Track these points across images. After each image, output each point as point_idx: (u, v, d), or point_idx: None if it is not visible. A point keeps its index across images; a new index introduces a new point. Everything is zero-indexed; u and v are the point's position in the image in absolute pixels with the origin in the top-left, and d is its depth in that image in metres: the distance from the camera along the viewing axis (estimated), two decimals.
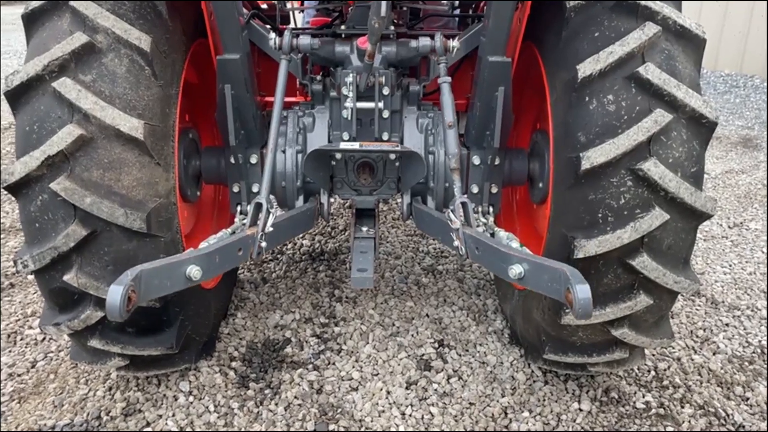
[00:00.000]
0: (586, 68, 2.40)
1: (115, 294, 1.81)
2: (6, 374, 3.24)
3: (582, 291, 1.87)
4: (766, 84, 10.43)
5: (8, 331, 3.60)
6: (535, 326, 2.96)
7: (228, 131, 2.89)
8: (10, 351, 3.43)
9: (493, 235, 2.74)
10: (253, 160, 3.09)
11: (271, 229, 2.55)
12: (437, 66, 2.86)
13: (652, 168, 2.31)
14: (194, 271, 2.14)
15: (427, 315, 3.72)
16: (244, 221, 2.56)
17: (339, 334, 3.53)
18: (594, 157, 2.35)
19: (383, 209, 5.20)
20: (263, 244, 2.54)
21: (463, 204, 2.58)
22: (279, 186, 3.07)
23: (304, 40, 2.79)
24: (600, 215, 2.41)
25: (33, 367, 3.30)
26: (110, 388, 3.11)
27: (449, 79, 2.69)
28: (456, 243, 2.55)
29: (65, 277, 2.39)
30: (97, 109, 2.30)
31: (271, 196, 2.77)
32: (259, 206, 2.58)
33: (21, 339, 3.54)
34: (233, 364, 3.29)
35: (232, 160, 3.06)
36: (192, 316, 2.89)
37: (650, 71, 2.34)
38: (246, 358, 3.34)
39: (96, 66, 2.37)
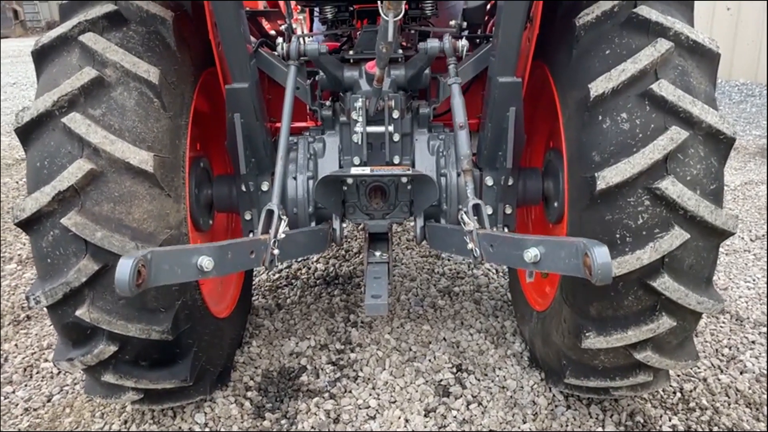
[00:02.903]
0: (599, 87, 2.36)
1: (124, 267, 1.78)
2: (22, 409, 3.22)
3: (600, 254, 1.81)
4: None
5: (24, 364, 3.60)
6: (555, 350, 2.89)
7: (239, 160, 2.88)
8: (26, 385, 3.42)
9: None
10: (265, 187, 3.07)
11: (283, 235, 2.52)
12: (446, 76, 2.83)
13: (670, 187, 2.26)
14: (206, 262, 2.08)
15: (444, 339, 3.66)
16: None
17: (355, 360, 3.48)
18: (609, 176, 2.30)
19: (398, 230, 5.17)
20: (275, 251, 2.49)
21: (476, 206, 2.53)
22: (291, 212, 3.05)
23: (311, 46, 2.79)
24: (618, 236, 2.35)
25: (49, 401, 3.28)
26: (126, 422, 3.08)
27: (459, 80, 2.68)
28: (470, 246, 2.49)
29: (77, 312, 2.37)
30: (107, 143, 2.30)
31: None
32: (270, 213, 2.55)
33: (37, 372, 3.53)
34: (249, 393, 3.25)
35: (244, 188, 3.05)
36: (205, 347, 2.86)
37: (664, 88, 2.30)
38: (261, 387, 3.30)
39: (105, 100, 2.37)
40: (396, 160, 3.04)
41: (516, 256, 2.13)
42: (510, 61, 2.66)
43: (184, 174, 2.64)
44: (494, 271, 4.50)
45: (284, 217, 2.53)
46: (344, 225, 3.12)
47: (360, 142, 2.96)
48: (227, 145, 2.92)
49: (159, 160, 2.41)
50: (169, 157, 2.49)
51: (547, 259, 2.04)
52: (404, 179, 3.00)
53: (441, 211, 3.05)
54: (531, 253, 2.05)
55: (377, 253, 3.04)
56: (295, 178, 3.03)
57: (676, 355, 2.59)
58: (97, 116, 2.35)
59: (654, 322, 2.42)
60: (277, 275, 4.55)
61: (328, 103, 3.20)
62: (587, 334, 2.53)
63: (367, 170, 2.87)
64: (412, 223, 3.14)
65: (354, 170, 2.88)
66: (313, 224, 3.08)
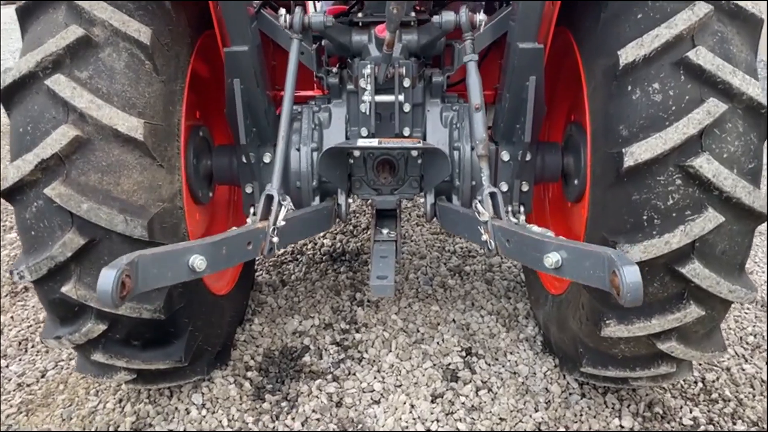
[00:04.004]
0: (629, 54, 2.15)
1: (106, 278, 1.65)
2: (15, 384, 3.11)
3: (630, 273, 1.66)
4: None
5: (20, 338, 3.49)
6: (571, 336, 2.73)
7: (238, 129, 2.70)
8: (20, 359, 3.31)
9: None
10: (267, 159, 2.90)
11: (283, 223, 2.36)
12: (463, 46, 2.63)
13: (705, 164, 2.07)
14: (198, 261, 1.95)
15: (453, 320, 3.51)
16: (255, 217, 2.39)
17: (360, 341, 3.34)
18: (638, 153, 2.11)
19: (407, 206, 4.99)
20: (275, 239, 2.35)
21: (492, 194, 2.36)
22: (294, 186, 2.88)
23: (317, 18, 2.59)
24: (645, 218, 2.17)
25: (43, 376, 3.17)
26: (120, 400, 2.96)
27: (476, 56, 2.47)
28: (484, 237, 2.33)
29: (63, 289, 2.23)
30: (94, 107, 2.13)
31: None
32: (270, 198, 2.39)
33: (32, 346, 3.42)
34: (249, 374, 3.12)
35: (244, 160, 2.87)
36: (203, 326, 2.72)
37: (702, 56, 2.09)
38: (262, 367, 3.17)
39: (93, 61, 2.20)
40: (406, 132, 2.85)
41: (535, 258, 1.97)
42: (531, 25, 2.46)
43: (179, 143, 2.47)
44: None
45: (284, 203, 2.37)
46: (350, 201, 2.95)
47: (368, 112, 2.77)
48: (226, 113, 2.74)
49: (150, 128, 2.24)
50: (162, 124, 2.32)
51: (569, 266, 1.87)
52: (414, 153, 2.81)
53: (453, 187, 2.87)
54: (552, 259, 1.89)
55: (384, 231, 2.87)
56: (298, 150, 2.86)
57: (702, 345, 2.42)
58: (84, 79, 2.17)
59: (681, 311, 2.25)
60: (282, 250, 4.39)
61: (335, 69, 3.01)
62: (607, 322, 2.36)
63: (374, 142, 2.69)
64: (422, 200, 2.96)
65: (361, 142, 2.69)
66: (317, 199, 2.91)
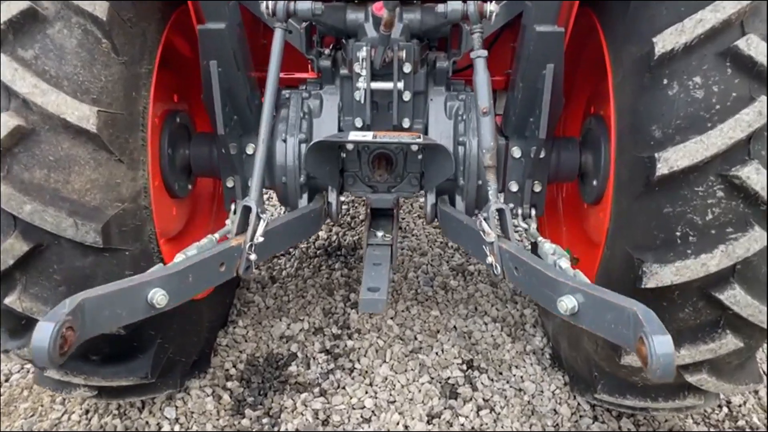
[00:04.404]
0: (666, 41, 1.83)
1: (43, 333, 1.35)
2: None
3: (662, 345, 1.35)
4: None
5: None
6: (585, 357, 2.44)
7: (216, 117, 2.40)
8: None
9: (536, 246, 2.23)
10: (250, 150, 2.60)
11: (261, 239, 2.08)
12: (470, 36, 2.31)
13: (753, 175, 1.76)
14: (158, 297, 1.68)
15: (454, 327, 3.22)
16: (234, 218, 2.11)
17: (352, 349, 3.06)
18: (674, 159, 1.80)
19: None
20: (252, 256, 2.07)
21: (500, 211, 2.06)
22: (279, 181, 2.58)
23: (303, 5, 2.26)
24: (679, 234, 1.86)
25: (7, 380, 2.91)
26: (87, 411, 2.71)
27: (485, 53, 2.14)
28: (490, 259, 2.04)
29: (7, 300, 1.96)
30: (38, 93, 1.84)
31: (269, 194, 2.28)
32: (247, 210, 2.10)
33: None
34: (229, 384, 2.85)
35: (224, 151, 2.57)
36: (175, 335, 2.45)
37: (753, 46, 1.77)
38: (244, 377, 2.90)
39: (39, 39, 1.89)
40: (405, 123, 2.54)
41: (546, 296, 1.67)
42: (550, 6, 2.14)
43: (144, 133, 2.17)
44: None
45: (264, 216, 2.08)
46: (342, 199, 2.66)
47: (363, 101, 2.45)
48: (203, 98, 2.43)
49: (106, 117, 1.94)
50: (122, 113, 2.02)
51: (586, 314, 1.57)
52: (414, 147, 2.50)
53: (457, 186, 2.56)
54: (566, 304, 1.58)
55: (379, 234, 2.56)
56: (284, 141, 2.55)
57: (736, 377, 2.13)
58: (28, 59, 1.87)
59: (715, 341, 1.95)
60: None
61: (327, 51, 2.68)
62: (628, 349, 2.06)
63: (369, 136, 2.38)
64: (423, 199, 2.66)
65: (353, 135, 2.38)
66: (304, 197, 2.60)
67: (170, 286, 1.72)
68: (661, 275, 1.86)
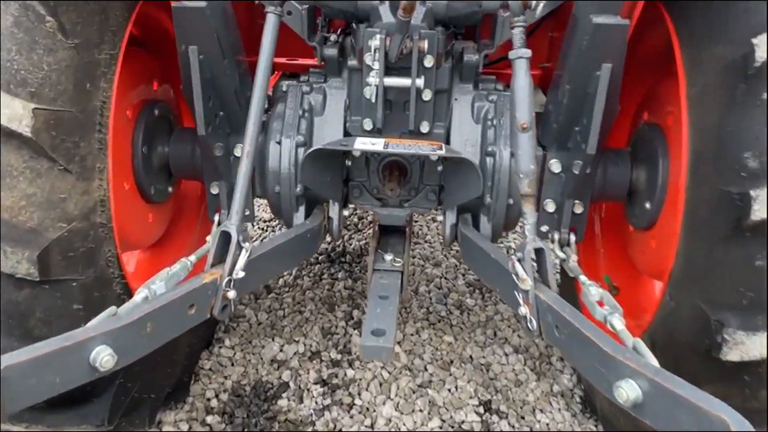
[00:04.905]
0: None
1: None
2: None
3: None
4: None
5: None
6: (626, 414, 2.03)
7: (196, 113, 1.99)
8: None
9: (576, 287, 1.83)
10: (238, 151, 2.19)
11: (242, 274, 1.69)
12: (507, 28, 1.89)
13: None
14: (104, 358, 1.33)
15: (470, 357, 2.82)
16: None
17: (352, 380, 2.68)
18: None
19: None
20: (231, 294, 1.69)
21: (538, 251, 1.66)
22: (272, 191, 2.18)
23: None
24: None
25: None
26: None
27: (528, 53, 1.71)
28: (523, 310, 1.65)
29: None
30: None
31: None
32: (226, 237, 1.71)
33: None
34: (209, 419, 2.47)
35: (209, 152, 2.16)
36: (142, 371, 2.06)
37: None
38: (227, 410, 2.52)
39: None
40: (424, 128, 2.12)
41: (598, 375, 1.28)
42: None
43: (103, 135, 1.76)
44: None
45: (246, 246, 1.69)
46: (345, 213, 2.25)
47: (374, 99, 2.03)
48: (182, 90, 2.02)
49: (47, 116, 1.54)
50: (70, 110, 1.61)
51: (653, 409, 1.18)
52: (434, 156, 2.09)
53: (483, 205, 2.14)
54: (626, 392, 1.20)
55: (388, 257, 2.15)
56: (279, 143, 2.14)
57: None
58: None
59: None
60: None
61: (334, 37, 2.26)
62: None
63: (379, 144, 1.96)
64: (441, 218, 2.25)
65: (360, 142, 1.96)
66: (301, 210, 2.20)
67: (120, 342, 1.36)
68: (749, 346, 1.45)
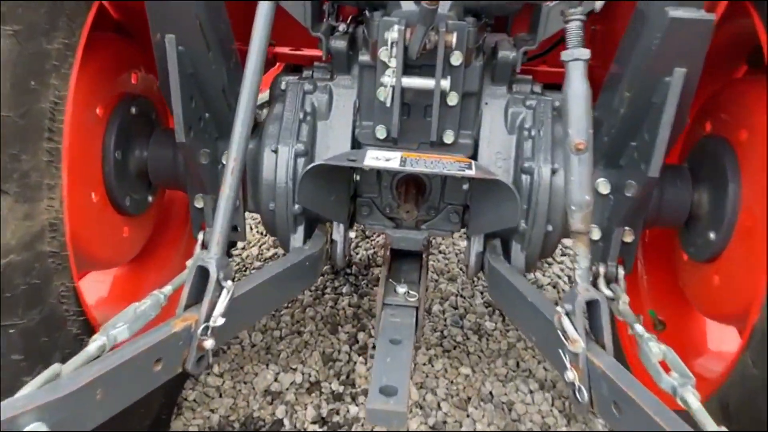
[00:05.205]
0: None
1: None
2: None
3: None
4: None
5: None
6: None
7: (174, 115, 1.65)
8: None
9: (635, 337, 1.51)
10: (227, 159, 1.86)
11: (222, 321, 1.37)
12: (553, 20, 1.55)
13: None
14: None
15: (490, 394, 2.49)
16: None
17: (355, 419, 2.35)
18: None
19: None
20: (208, 343, 1.38)
21: (593, 304, 1.32)
22: (265, 207, 1.85)
23: None
24: None
25: None
26: None
27: (587, 53, 1.36)
28: (570, 376, 1.32)
29: None
30: None
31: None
32: (203, 274, 1.39)
33: None
34: None
35: (192, 160, 1.82)
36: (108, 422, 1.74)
37: None
38: None
39: None
40: (448, 137, 1.78)
41: None
42: None
43: (56, 143, 1.43)
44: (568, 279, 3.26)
45: (227, 284, 1.37)
46: (351, 235, 1.93)
47: (389, 102, 1.69)
48: (160, 87, 1.69)
49: None
50: (7, 115, 1.28)
51: None
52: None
53: (516, 231, 1.80)
54: None
55: (401, 289, 1.81)
56: (275, 151, 1.80)
57: None
58: None
59: None
60: (273, 250, 3.40)
61: (343, 27, 1.92)
62: None
63: (395, 159, 1.62)
64: (465, 243, 1.92)
65: (371, 159, 1.62)
66: (299, 230, 1.86)
67: (61, 415, 1.06)
68: None
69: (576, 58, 1.35)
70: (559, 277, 3.24)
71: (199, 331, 1.37)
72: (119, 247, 2.06)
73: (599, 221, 1.83)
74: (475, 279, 3.22)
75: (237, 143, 1.44)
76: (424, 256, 1.92)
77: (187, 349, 1.36)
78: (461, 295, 3.09)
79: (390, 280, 1.86)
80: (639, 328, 1.53)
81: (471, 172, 1.56)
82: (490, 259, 1.78)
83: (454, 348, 2.73)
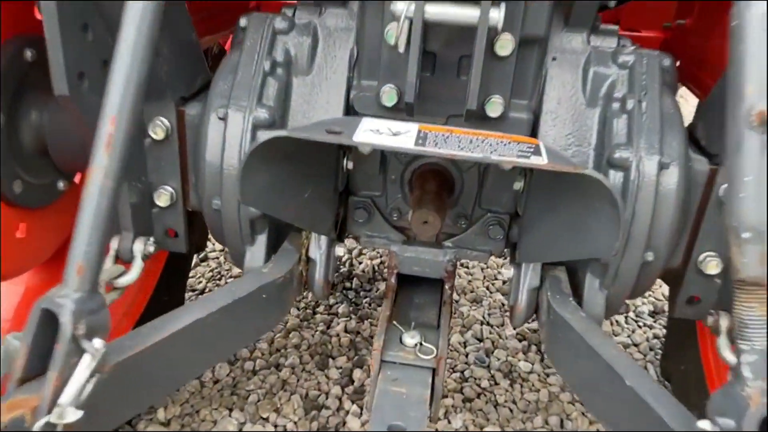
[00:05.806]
0: None
1: None
2: None
3: None
4: None
5: None
6: None
7: (51, 56, 1.03)
8: None
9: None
10: (159, 133, 1.23)
11: (76, 414, 0.75)
12: None
13: None
14: None
15: None
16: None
17: None
18: None
19: None
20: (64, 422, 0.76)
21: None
22: (207, 203, 1.22)
23: None
24: None
25: None
26: None
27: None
28: None
29: None
30: None
31: None
32: (49, 320, 0.77)
33: None
34: None
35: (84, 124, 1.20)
36: None
37: None
38: None
39: None
40: (494, 108, 1.13)
41: None
42: None
43: None
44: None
45: (92, 345, 0.79)
46: (340, 252, 1.28)
47: (404, 48, 1.05)
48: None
49: None
50: None
51: None
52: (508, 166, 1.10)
53: (595, 259, 1.15)
54: None
55: (410, 339, 1.18)
56: (222, 119, 1.17)
57: None
58: None
59: None
60: None
61: None
62: None
63: (405, 136, 0.98)
64: (508, 272, 1.26)
65: (365, 131, 0.97)
66: (259, 241, 1.23)
67: None
68: None
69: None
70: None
71: (40, 424, 0.76)
72: (13, 251, 1.45)
73: (719, 246, 1.18)
74: (506, 301, 2.57)
75: (118, 94, 0.81)
76: (447, 286, 1.28)
77: None
78: (488, 323, 2.44)
79: (394, 322, 1.22)
80: None
81: (540, 161, 0.91)
82: (551, 300, 1.14)
83: (478, 396, 2.08)
